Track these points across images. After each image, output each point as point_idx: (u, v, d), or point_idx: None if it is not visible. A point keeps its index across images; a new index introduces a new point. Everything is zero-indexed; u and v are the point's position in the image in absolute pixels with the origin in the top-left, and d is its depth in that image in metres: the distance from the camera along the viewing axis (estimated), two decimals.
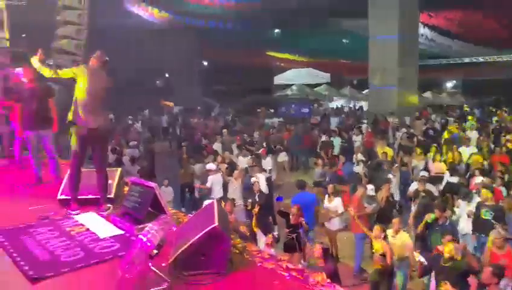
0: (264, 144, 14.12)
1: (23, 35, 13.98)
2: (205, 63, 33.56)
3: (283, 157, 13.88)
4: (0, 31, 8.31)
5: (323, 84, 26.72)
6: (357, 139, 14.77)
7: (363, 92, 26.64)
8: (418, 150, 11.90)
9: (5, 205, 5.01)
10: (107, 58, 4.87)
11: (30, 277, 3.24)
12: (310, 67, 26.97)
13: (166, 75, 33.96)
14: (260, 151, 12.41)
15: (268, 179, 9.93)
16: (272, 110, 23.63)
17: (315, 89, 26.83)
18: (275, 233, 7.18)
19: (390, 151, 12.22)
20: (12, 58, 8.43)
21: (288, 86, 26.10)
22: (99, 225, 4.30)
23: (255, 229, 7.63)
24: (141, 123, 22.49)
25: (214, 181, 9.79)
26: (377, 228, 6.65)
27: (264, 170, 10.40)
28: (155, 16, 27.41)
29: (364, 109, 25.64)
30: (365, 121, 18.41)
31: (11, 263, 3.51)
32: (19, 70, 7.38)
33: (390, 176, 9.85)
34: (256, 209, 7.85)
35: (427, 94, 25.93)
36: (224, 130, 16.02)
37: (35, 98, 5.97)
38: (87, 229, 4.18)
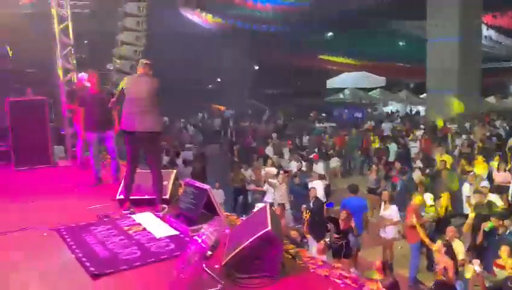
0: (316, 149, 14.01)
1: (86, 42, 14.82)
2: (256, 67, 33.88)
3: (335, 162, 13.68)
4: (65, 38, 8.82)
5: (378, 88, 26.07)
6: (414, 146, 14.26)
7: (421, 96, 25.71)
8: (480, 158, 11.28)
9: (67, 203, 5.31)
10: (147, 62, 5.11)
11: (91, 272, 3.42)
12: (364, 71, 26.41)
13: (218, 80, 34.61)
14: (312, 156, 12.33)
15: (327, 187, 9.85)
16: (324, 115, 23.36)
17: (369, 93, 26.23)
18: (327, 239, 7.10)
19: (449, 159, 11.69)
20: (76, 63, 8.92)
21: (341, 89, 25.71)
22: (155, 225, 4.45)
23: (307, 235, 7.57)
24: (194, 126, 23.03)
25: (270, 185, 9.82)
26: (439, 242, 6.45)
27: (323, 177, 10.28)
28: (209, 22, 28.08)
29: (422, 114, 24.72)
30: (422, 127, 17.72)
31: (73, 258, 3.73)
32: (82, 74, 7.83)
33: (466, 184, 9.40)
34: (307, 215, 7.81)
35: (491, 99, 24.53)
36: (274, 134, 16.04)
37: (97, 101, 6.29)
38: (144, 229, 4.34)
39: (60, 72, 8.62)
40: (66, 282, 3.46)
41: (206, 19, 27.99)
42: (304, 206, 8.50)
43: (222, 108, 30.16)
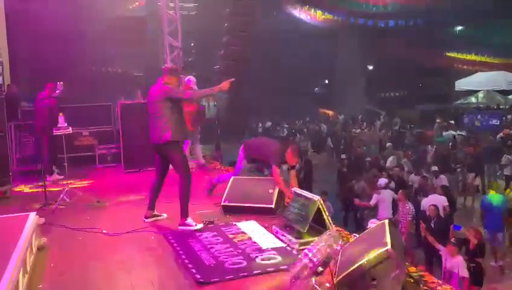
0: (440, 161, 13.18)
1: (192, 44, 15.88)
2: (370, 67, 33.07)
3: (471, 177, 12.62)
4: (174, 40, 9.56)
5: None
6: None
7: None
8: None
9: (173, 207, 5.67)
10: (165, 67, 5.29)
11: (197, 280, 3.64)
12: (502, 70, 24.28)
13: (326, 81, 34.46)
14: (434, 169, 11.62)
15: (451, 203, 9.24)
16: (452, 122, 21.94)
17: (509, 96, 24.02)
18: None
19: None
20: (183, 66, 9.61)
21: (474, 92, 23.93)
22: (260, 235, 4.59)
23: None
24: (299, 132, 23.19)
25: (381, 199, 9.49)
26: None
27: (447, 191, 9.67)
28: (318, 19, 28.18)
29: None
30: None
31: (179, 264, 4.01)
32: (189, 77, 8.40)
33: None
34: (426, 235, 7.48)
35: None
36: (389, 144, 15.45)
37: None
38: (249, 238, 4.51)
39: None
40: (172, 287, 3.74)
41: (315, 16, 28.12)
42: (423, 225, 8.11)
43: (330, 112, 29.97)
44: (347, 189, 11.09)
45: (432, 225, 8.01)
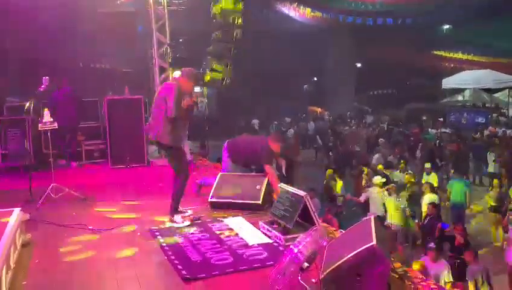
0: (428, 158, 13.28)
1: (181, 40, 15.76)
2: (359, 65, 33.19)
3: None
4: (162, 36, 9.47)
5: (506, 89, 24.01)
6: None
7: None
8: None
9: (160, 204, 5.63)
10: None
11: (183, 276, 3.63)
12: (489, 69, 24.56)
13: (315, 79, 34.52)
14: (427, 166, 11.69)
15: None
16: (441, 119, 22.14)
17: (495, 94, 24.29)
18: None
19: None
20: (172, 62, 9.53)
21: (460, 90, 24.17)
22: (247, 231, 4.60)
23: None
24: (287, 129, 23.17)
25: (371, 196, 9.53)
26: None
27: (435, 190, 9.76)
28: (307, 16, 28.17)
29: None
30: None
31: (165, 260, 3.99)
32: (178, 73, 8.34)
33: None
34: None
35: None
36: (381, 140, 15.51)
37: None
38: (236, 234, 4.52)
39: (156, 71, 9.29)
40: (158, 284, 3.73)
41: (304, 13, 28.11)
42: (416, 221, 8.24)
43: (319, 110, 30.02)
44: (328, 186, 11.10)
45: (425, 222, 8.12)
